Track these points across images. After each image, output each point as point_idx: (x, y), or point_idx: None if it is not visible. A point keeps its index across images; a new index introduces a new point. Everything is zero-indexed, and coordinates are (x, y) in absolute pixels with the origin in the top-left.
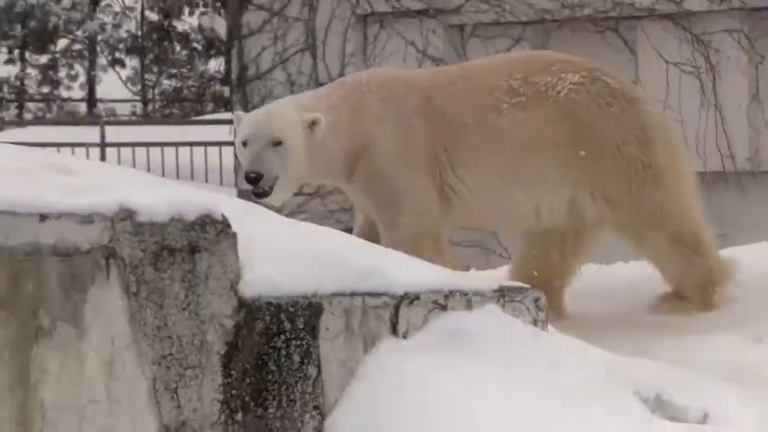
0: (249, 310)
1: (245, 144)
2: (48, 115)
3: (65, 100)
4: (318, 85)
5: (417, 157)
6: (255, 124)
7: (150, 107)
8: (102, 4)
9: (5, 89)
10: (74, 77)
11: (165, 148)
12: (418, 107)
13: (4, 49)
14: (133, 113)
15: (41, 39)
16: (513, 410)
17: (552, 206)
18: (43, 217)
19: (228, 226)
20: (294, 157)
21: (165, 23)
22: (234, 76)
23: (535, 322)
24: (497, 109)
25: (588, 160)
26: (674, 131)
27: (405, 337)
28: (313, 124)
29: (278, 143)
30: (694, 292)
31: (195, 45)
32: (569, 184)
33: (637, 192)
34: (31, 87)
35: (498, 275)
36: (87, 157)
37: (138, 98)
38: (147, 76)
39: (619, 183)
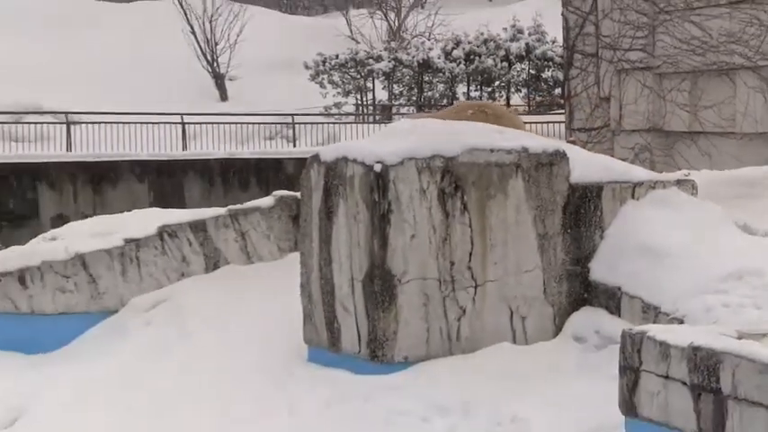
0: (573, 188)
1: None
2: None
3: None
4: (600, 99)
5: None
6: None
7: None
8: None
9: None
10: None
11: None
12: None
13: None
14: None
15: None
16: (680, 225)
17: None
18: (492, 150)
19: (565, 154)
20: None
21: (538, 74)
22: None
23: (692, 194)
24: None
25: None
26: (514, 121)
27: (637, 200)
28: None
29: None
30: None
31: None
32: None
33: None
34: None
35: (676, 175)
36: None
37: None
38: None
39: None
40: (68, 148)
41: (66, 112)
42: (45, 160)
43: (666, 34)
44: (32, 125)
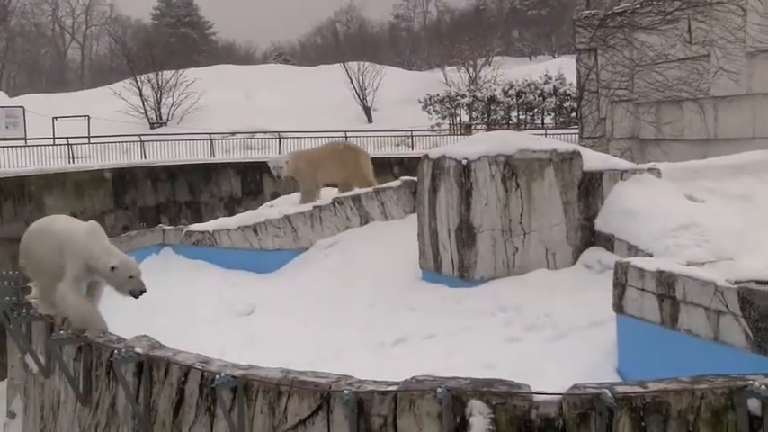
0: (584, 173)
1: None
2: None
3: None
4: (600, 119)
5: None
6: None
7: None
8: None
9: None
10: None
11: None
12: (301, 163)
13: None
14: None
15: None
16: (649, 196)
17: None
18: (534, 151)
19: (579, 153)
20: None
21: (561, 104)
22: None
23: (657, 177)
24: (323, 163)
25: (336, 168)
26: (364, 155)
27: (624, 181)
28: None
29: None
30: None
31: (569, 111)
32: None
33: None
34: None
35: (647, 165)
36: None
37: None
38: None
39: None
40: (279, 152)
41: (279, 131)
42: (266, 159)
43: (640, 79)
44: (259, 139)
